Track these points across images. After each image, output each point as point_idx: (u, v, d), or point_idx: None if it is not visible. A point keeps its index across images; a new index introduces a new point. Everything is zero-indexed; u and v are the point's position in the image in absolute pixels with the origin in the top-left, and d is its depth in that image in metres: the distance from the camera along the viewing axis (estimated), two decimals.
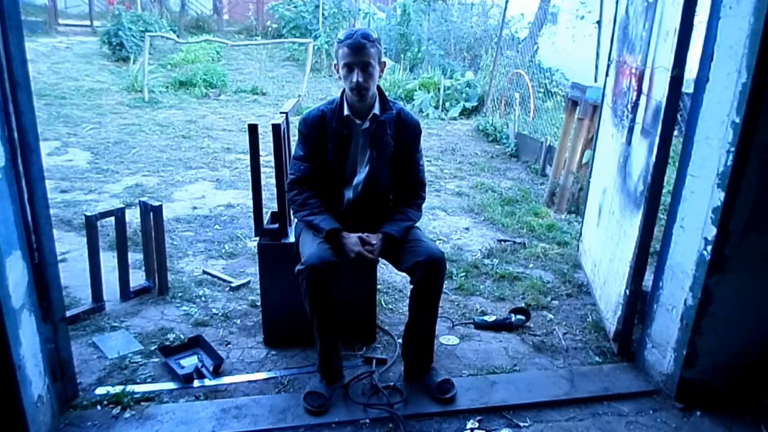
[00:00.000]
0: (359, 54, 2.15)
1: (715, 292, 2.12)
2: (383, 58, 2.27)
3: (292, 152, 2.53)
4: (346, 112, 2.29)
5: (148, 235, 2.97)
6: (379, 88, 2.32)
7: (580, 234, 3.75)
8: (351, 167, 2.37)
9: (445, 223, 4.37)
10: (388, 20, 12.98)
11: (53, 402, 2.04)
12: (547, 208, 4.75)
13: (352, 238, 2.25)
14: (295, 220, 2.45)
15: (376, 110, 2.31)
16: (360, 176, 2.37)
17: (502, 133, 7.06)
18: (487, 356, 2.62)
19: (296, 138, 2.42)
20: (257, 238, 2.61)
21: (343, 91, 2.30)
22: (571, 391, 2.36)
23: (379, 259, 2.36)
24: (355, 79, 2.17)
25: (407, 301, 3.05)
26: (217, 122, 7.58)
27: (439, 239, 3.99)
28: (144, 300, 2.98)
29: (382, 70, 2.26)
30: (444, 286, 3.24)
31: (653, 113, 2.42)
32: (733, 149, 1.96)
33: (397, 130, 2.36)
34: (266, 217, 2.71)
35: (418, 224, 2.45)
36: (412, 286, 2.28)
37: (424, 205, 2.52)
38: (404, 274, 2.39)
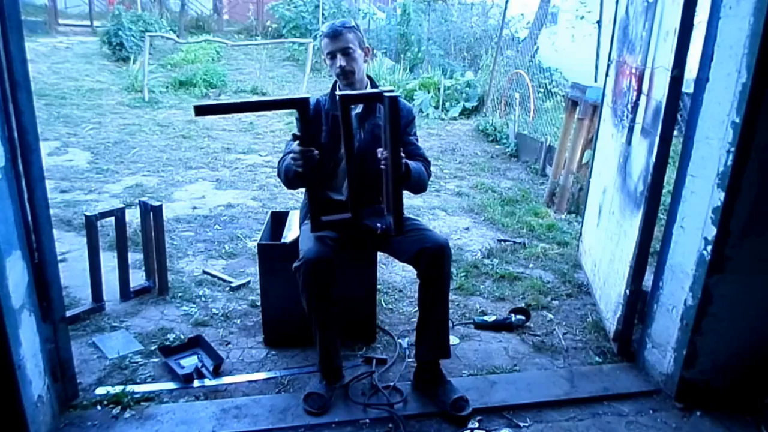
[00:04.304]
0: (338, 41, 2.29)
1: (715, 292, 2.12)
2: (366, 44, 2.37)
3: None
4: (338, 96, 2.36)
5: (148, 235, 2.97)
6: (370, 77, 2.41)
7: (580, 234, 3.75)
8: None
9: (445, 223, 4.37)
10: (388, 20, 12.99)
11: (53, 402, 2.04)
12: (547, 208, 4.75)
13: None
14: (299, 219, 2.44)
15: None
16: None
17: (502, 133, 7.06)
18: (487, 356, 2.62)
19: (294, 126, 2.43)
20: (257, 239, 2.61)
21: (335, 81, 2.41)
22: (571, 391, 2.36)
23: (378, 254, 2.33)
24: (338, 65, 2.29)
25: (407, 301, 3.08)
26: (217, 122, 7.57)
27: None
28: (144, 300, 2.98)
29: (366, 55, 2.37)
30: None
31: (653, 113, 2.42)
32: (733, 149, 1.96)
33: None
34: (266, 217, 2.71)
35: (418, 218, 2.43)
36: (419, 280, 2.25)
37: (423, 204, 2.52)
38: (408, 266, 2.34)
